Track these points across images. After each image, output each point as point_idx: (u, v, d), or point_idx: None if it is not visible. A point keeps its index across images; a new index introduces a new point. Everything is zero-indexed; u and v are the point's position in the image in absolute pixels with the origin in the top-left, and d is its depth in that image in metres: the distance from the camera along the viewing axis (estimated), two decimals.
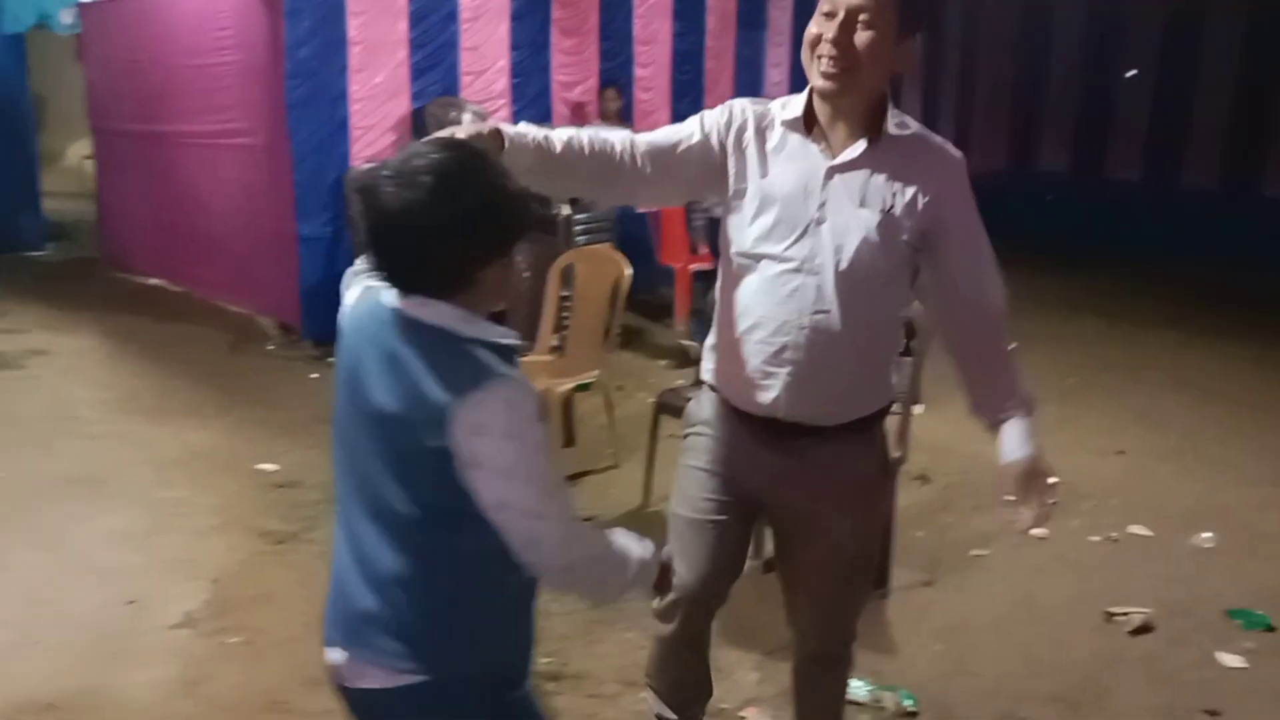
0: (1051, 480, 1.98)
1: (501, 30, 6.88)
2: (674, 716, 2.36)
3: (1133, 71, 10.79)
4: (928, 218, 1.97)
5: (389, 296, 1.53)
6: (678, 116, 2.71)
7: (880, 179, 1.96)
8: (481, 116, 6.57)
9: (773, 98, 2.09)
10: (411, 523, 1.53)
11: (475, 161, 1.51)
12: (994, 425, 2.05)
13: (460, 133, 1.70)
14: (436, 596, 1.56)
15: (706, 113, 2.07)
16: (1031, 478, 1.97)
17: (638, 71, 7.60)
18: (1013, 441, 2.01)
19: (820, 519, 2.13)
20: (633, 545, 1.67)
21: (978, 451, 4.72)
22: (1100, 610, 3.42)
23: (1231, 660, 3.16)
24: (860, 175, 1.96)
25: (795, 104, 2.02)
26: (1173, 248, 9.57)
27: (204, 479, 4.24)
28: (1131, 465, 4.80)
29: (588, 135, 1.94)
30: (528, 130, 1.87)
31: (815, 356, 1.98)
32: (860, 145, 1.96)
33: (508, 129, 1.83)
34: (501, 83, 6.94)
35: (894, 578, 3.52)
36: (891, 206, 1.96)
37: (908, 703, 2.87)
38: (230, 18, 6.39)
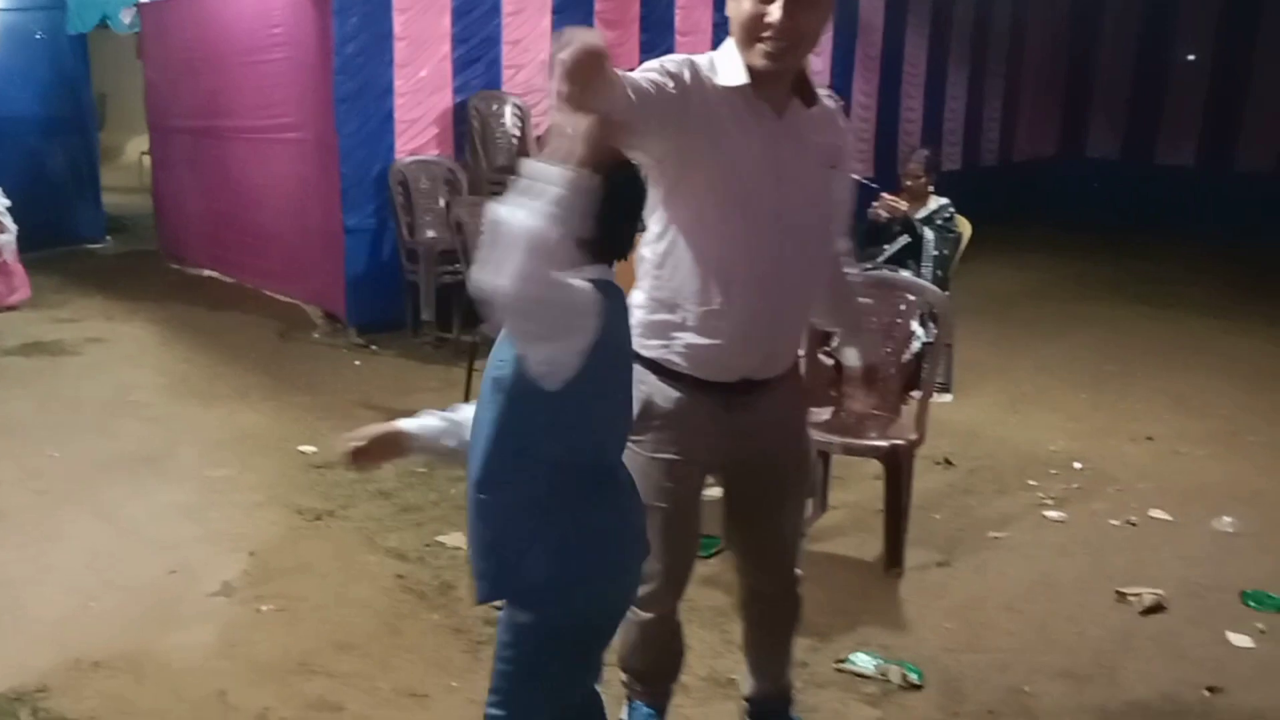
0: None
1: (544, 24, 7.00)
2: (653, 689, 2.48)
3: (1192, 56, 10.65)
4: (840, 166, 2.19)
5: (607, 275, 1.74)
6: None
7: (820, 136, 2.11)
8: (523, 109, 6.73)
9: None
10: None
11: None
12: (843, 337, 2.45)
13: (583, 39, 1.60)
14: None
15: (665, 60, 2.00)
16: (874, 373, 2.47)
17: None
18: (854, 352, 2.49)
19: (773, 462, 2.26)
20: None
21: (1004, 437, 4.84)
22: (1114, 591, 3.45)
23: (1240, 640, 3.18)
24: (806, 135, 2.09)
25: (732, 68, 2.02)
26: (1226, 233, 9.44)
27: (250, 459, 4.43)
28: (1161, 450, 4.79)
29: None
30: None
31: (790, 309, 2.13)
32: (801, 109, 2.08)
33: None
34: (544, 76, 7.06)
35: (909, 558, 3.58)
36: (833, 161, 2.13)
37: (914, 675, 2.94)
38: (281, 16, 6.59)
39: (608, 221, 1.69)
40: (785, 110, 2.06)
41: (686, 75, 1.99)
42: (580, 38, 1.61)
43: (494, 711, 1.86)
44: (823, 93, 2.18)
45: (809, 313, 2.28)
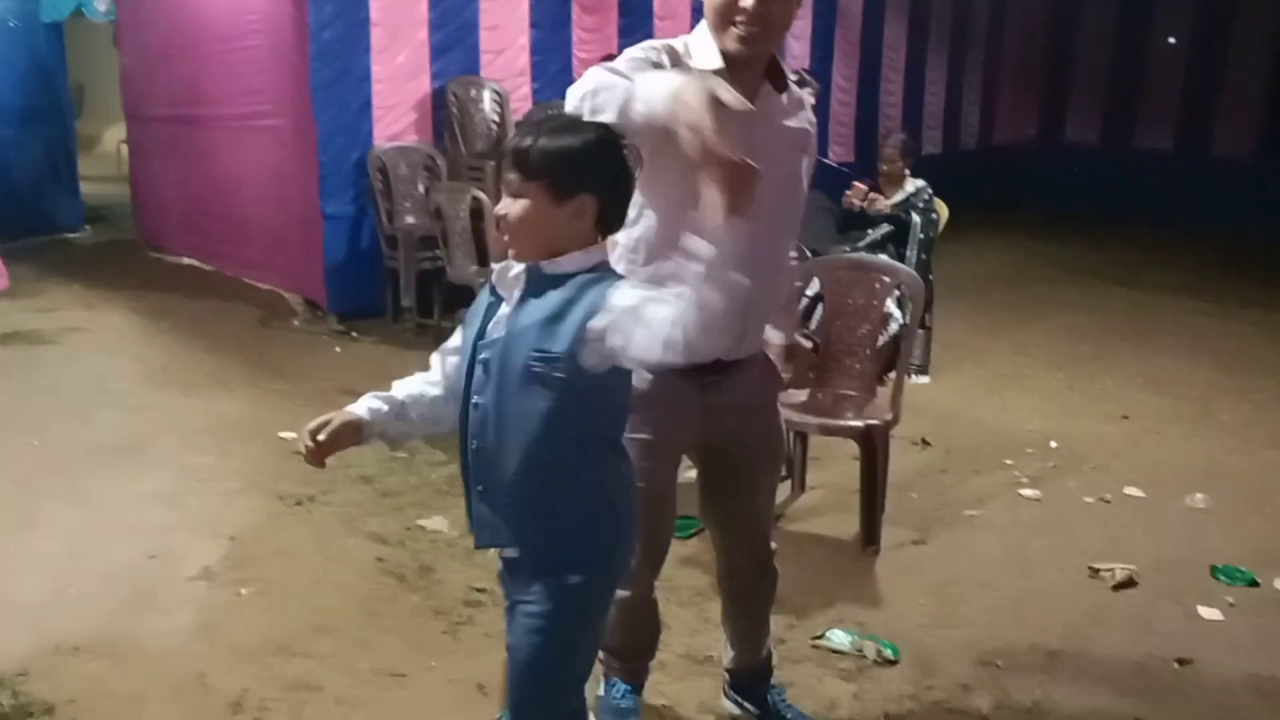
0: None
1: (521, 9, 6.98)
2: (631, 665, 2.52)
3: (1172, 40, 10.71)
4: (808, 151, 2.24)
5: (604, 255, 1.86)
6: None
7: (790, 122, 2.15)
8: (502, 95, 6.71)
9: (796, 68, 2.22)
10: None
11: None
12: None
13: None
14: None
15: (647, 50, 2.03)
16: (792, 352, 2.45)
17: None
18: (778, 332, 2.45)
19: (746, 439, 2.31)
20: None
21: (981, 418, 4.89)
22: (1087, 566, 3.50)
23: (1210, 613, 3.24)
24: (778, 120, 2.13)
25: (706, 52, 2.05)
26: (1202, 218, 9.53)
27: (230, 446, 4.43)
28: (1136, 430, 4.85)
29: None
30: None
31: (762, 291, 2.13)
32: (773, 93, 2.12)
33: None
34: (522, 60, 7.05)
35: (886, 536, 3.62)
36: (802, 146, 2.17)
37: (888, 651, 2.97)
38: (257, 3, 6.56)
39: (615, 194, 1.78)
40: (757, 95, 2.09)
41: (666, 62, 2.04)
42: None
43: (522, 689, 1.89)
44: (794, 77, 2.22)
45: (780, 293, 2.31)
